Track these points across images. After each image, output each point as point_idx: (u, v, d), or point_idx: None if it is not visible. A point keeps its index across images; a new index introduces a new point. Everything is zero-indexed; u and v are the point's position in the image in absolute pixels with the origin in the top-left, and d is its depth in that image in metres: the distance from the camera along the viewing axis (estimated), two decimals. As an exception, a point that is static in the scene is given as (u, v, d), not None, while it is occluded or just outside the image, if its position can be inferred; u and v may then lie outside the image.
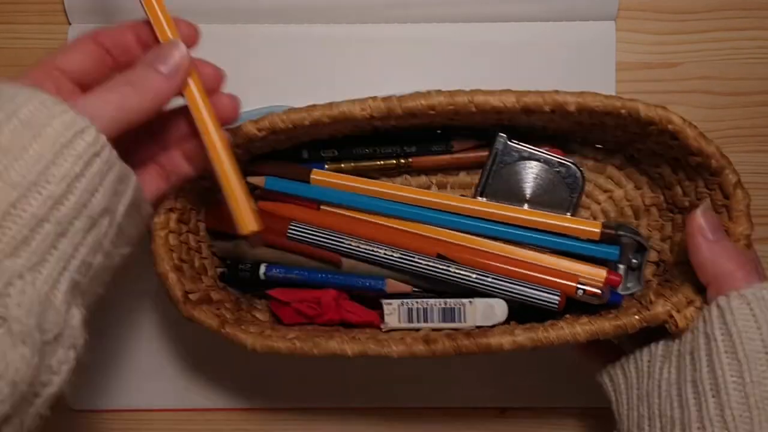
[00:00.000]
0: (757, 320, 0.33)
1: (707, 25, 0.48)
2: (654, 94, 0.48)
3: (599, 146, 0.45)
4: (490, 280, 0.41)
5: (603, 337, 0.38)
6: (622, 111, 0.38)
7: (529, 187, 0.43)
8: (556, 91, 0.38)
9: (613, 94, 0.47)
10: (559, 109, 0.38)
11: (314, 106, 0.39)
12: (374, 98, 0.39)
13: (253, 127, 0.39)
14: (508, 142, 0.43)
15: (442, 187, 0.47)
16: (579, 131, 0.42)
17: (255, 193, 0.46)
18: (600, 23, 0.48)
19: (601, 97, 0.38)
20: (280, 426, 0.52)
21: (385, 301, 0.42)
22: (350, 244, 0.42)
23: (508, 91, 0.39)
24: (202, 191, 0.43)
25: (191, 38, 0.36)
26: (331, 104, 0.39)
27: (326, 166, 0.45)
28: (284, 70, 0.49)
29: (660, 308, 0.38)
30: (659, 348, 0.39)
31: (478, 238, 0.43)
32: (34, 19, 0.50)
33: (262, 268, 0.44)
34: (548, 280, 0.41)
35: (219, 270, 0.45)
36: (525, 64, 0.48)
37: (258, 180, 0.44)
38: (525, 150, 0.43)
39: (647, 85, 0.48)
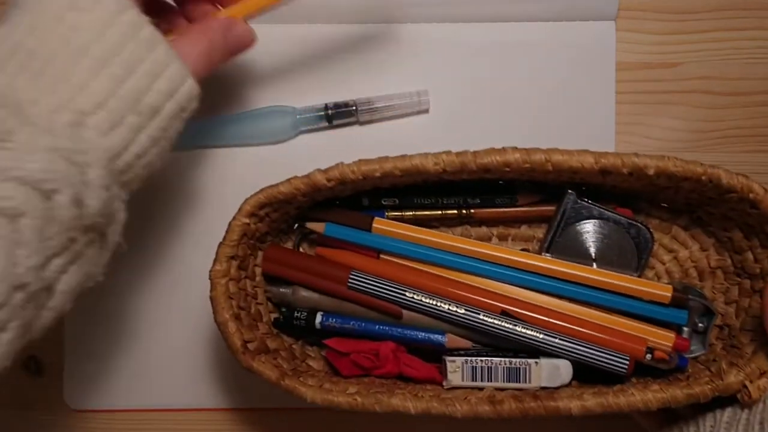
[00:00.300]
0: None
1: (707, 25, 0.48)
2: (654, 94, 0.48)
3: (665, 205, 0.44)
4: (557, 341, 0.40)
5: (674, 405, 0.38)
6: (703, 177, 0.37)
7: (596, 246, 0.42)
8: (636, 154, 0.38)
9: (613, 94, 0.47)
10: (637, 172, 0.38)
11: (386, 158, 0.39)
12: (448, 153, 0.38)
13: (322, 177, 0.39)
14: (577, 199, 0.42)
15: (503, 239, 0.46)
16: (650, 191, 0.42)
17: (312, 237, 0.45)
18: (600, 23, 0.47)
19: (681, 162, 0.37)
20: (281, 426, 0.50)
21: (448, 358, 0.41)
22: (412, 297, 0.41)
23: (587, 152, 0.38)
24: (260, 235, 0.42)
25: None
26: (403, 157, 0.38)
27: (387, 215, 0.44)
28: (283, 70, 0.48)
29: (733, 378, 0.37)
30: (725, 415, 0.38)
31: (543, 296, 0.42)
32: None
33: (319, 317, 0.42)
34: (617, 342, 0.40)
35: (273, 316, 0.44)
36: (525, 64, 0.48)
37: (318, 226, 0.43)
38: (594, 209, 0.42)
39: (647, 85, 0.48)
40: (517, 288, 0.42)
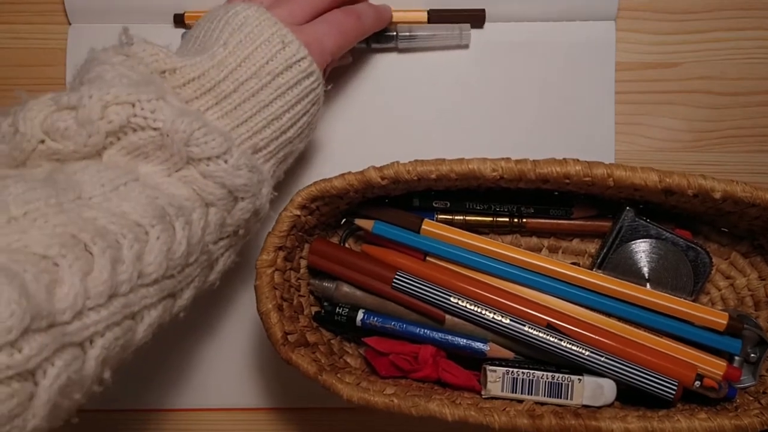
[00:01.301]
0: None
1: (707, 25, 0.47)
2: (654, 94, 0.47)
3: (725, 230, 0.43)
4: (603, 359, 0.39)
5: None
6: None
7: (650, 266, 0.41)
8: (702, 176, 0.36)
9: (613, 94, 0.46)
10: (703, 194, 0.36)
11: (443, 160, 0.38)
12: (507, 159, 0.38)
13: (377, 175, 0.38)
14: (635, 217, 0.41)
15: (553, 251, 0.45)
16: (711, 214, 0.40)
17: (359, 233, 0.45)
18: (600, 23, 0.47)
19: (750, 187, 0.36)
20: (282, 426, 0.50)
21: (489, 367, 0.40)
22: (457, 302, 0.41)
23: (651, 169, 0.37)
24: (309, 228, 0.41)
25: None
26: (461, 160, 0.38)
27: (437, 217, 0.43)
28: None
29: None
30: None
31: (592, 313, 0.41)
32: (34, 19, 0.50)
33: (360, 315, 0.42)
34: (666, 366, 0.39)
35: (314, 309, 0.44)
36: (525, 64, 0.47)
37: (366, 223, 0.43)
38: (652, 228, 0.41)
39: (647, 85, 0.47)
40: (565, 302, 0.41)
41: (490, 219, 0.44)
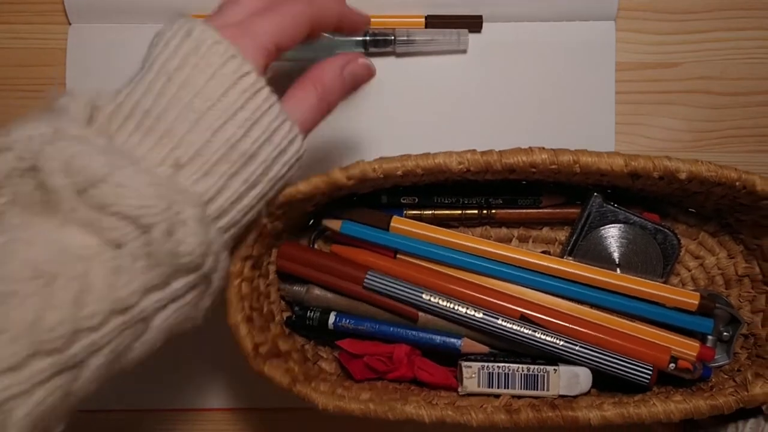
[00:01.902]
0: None
1: (707, 25, 0.47)
2: (654, 94, 0.47)
3: (693, 211, 0.43)
4: (577, 348, 0.39)
5: (697, 417, 0.36)
6: (737, 183, 0.36)
7: (620, 251, 0.41)
8: (668, 157, 0.36)
9: (613, 94, 0.46)
10: (669, 176, 0.36)
11: (408, 156, 0.37)
12: (473, 152, 0.37)
13: (342, 176, 0.37)
14: (603, 203, 0.41)
15: (523, 240, 0.44)
16: (678, 196, 0.40)
17: (328, 234, 0.44)
18: (600, 23, 0.47)
19: (715, 166, 0.36)
20: (281, 426, 0.49)
21: (464, 363, 0.40)
22: (429, 299, 0.40)
23: (617, 154, 0.36)
24: (276, 233, 0.40)
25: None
26: (426, 155, 0.37)
27: (405, 213, 0.43)
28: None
29: (759, 390, 0.36)
30: (747, 427, 0.37)
31: (564, 301, 0.41)
32: (34, 19, 0.49)
33: (332, 317, 0.41)
34: (640, 351, 0.39)
35: (285, 315, 0.43)
36: (525, 64, 0.47)
37: (334, 224, 0.42)
38: (620, 212, 0.41)
39: (647, 85, 0.47)
40: (538, 292, 0.41)
41: (459, 212, 0.43)
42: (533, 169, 0.37)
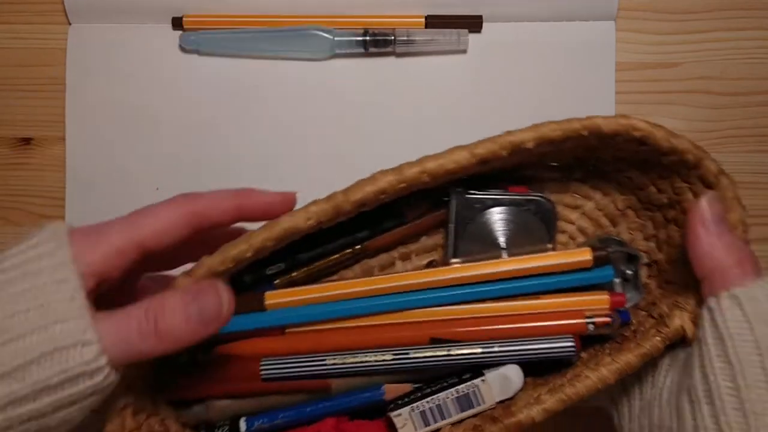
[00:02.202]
0: (749, 321, 0.30)
1: (707, 25, 0.48)
2: (654, 94, 0.48)
3: (555, 164, 0.42)
4: (496, 349, 0.37)
5: (632, 371, 0.35)
6: (584, 132, 0.34)
7: (503, 234, 0.39)
8: (509, 132, 0.34)
9: (613, 94, 0.47)
10: (516, 149, 0.34)
11: (251, 233, 0.33)
12: (316, 202, 0.34)
13: (186, 281, 0.33)
14: (465, 195, 0.39)
15: (405, 258, 0.42)
16: (536, 157, 0.39)
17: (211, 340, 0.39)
18: (600, 23, 0.48)
19: (556, 124, 0.34)
20: None
21: (393, 414, 0.37)
22: (334, 362, 0.37)
23: (459, 147, 0.34)
24: (157, 371, 0.36)
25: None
26: (271, 225, 0.33)
27: (276, 284, 0.39)
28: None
29: (678, 321, 0.35)
30: (666, 357, 0.36)
31: (468, 306, 0.38)
32: (34, 19, 0.50)
33: (243, 425, 0.37)
34: (555, 326, 0.37)
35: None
36: (525, 64, 0.48)
37: (205, 326, 0.37)
38: (487, 198, 0.39)
39: (647, 85, 0.48)
40: (441, 307, 0.39)
41: (332, 258, 0.40)
42: (383, 196, 0.34)
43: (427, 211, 0.40)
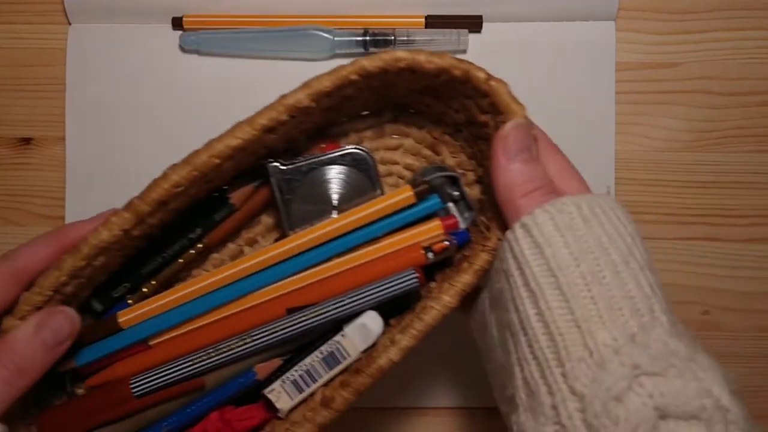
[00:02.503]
0: (539, 246, 0.30)
1: (707, 25, 0.48)
2: (654, 94, 0.48)
3: (366, 113, 0.42)
4: (347, 300, 0.37)
5: (471, 288, 0.36)
6: (353, 77, 0.35)
7: (331, 194, 0.40)
8: (283, 96, 0.35)
9: (613, 94, 0.47)
10: (295, 110, 0.35)
11: (60, 258, 0.34)
12: (116, 212, 0.34)
13: (11, 321, 0.34)
14: (282, 167, 0.39)
15: (253, 243, 0.43)
16: (335, 116, 0.39)
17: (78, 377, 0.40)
18: (600, 23, 0.47)
19: (324, 78, 0.35)
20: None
21: (266, 392, 0.37)
22: (201, 360, 0.38)
23: (241, 123, 0.35)
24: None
25: None
26: (75, 247, 0.34)
27: (129, 302, 0.40)
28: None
29: (496, 233, 0.36)
30: (486, 297, 0.37)
31: (314, 269, 0.39)
32: (34, 19, 0.50)
33: (126, 448, 0.38)
34: (396, 263, 0.38)
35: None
36: (525, 64, 0.48)
37: (69, 363, 0.38)
38: (303, 165, 0.39)
39: (647, 85, 0.48)
40: (291, 278, 0.39)
41: (180, 261, 0.40)
42: (180, 188, 0.34)
43: (254, 191, 0.41)
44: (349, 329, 0.38)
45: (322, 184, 0.40)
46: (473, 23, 0.47)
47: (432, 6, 0.47)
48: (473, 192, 0.41)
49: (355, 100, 0.38)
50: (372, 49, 0.47)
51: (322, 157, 0.40)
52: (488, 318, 0.35)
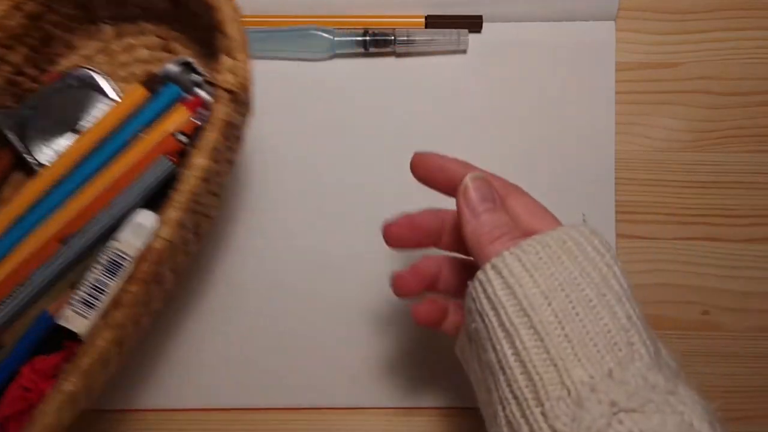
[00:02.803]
0: (509, 286, 0.30)
1: (707, 25, 0.48)
2: (654, 94, 0.48)
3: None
4: (112, 208, 0.37)
5: (218, 143, 0.35)
6: None
7: (73, 120, 0.40)
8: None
9: (613, 94, 0.47)
10: None
11: None
12: None
13: None
14: (6, 114, 0.40)
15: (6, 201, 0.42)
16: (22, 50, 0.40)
17: None
18: (600, 23, 0.47)
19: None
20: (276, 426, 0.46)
21: (60, 322, 0.36)
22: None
23: None
24: None
25: None
26: None
27: None
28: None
29: (222, 75, 0.35)
30: (471, 340, 0.36)
31: (75, 196, 0.39)
32: None
33: None
34: (150, 157, 0.38)
35: None
36: (525, 63, 0.48)
37: None
38: (18, 111, 0.40)
39: (647, 85, 0.48)
40: (55, 213, 0.38)
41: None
42: None
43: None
44: (123, 235, 0.37)
45: (60, 113, 0.40)
46: (473, 23, 0.47)
47: (432, 6, 0.47)
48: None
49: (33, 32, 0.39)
50: (372, 49, 0.47)
51: (46, 89, 0.40)
52: (470, 355, 0.35)
